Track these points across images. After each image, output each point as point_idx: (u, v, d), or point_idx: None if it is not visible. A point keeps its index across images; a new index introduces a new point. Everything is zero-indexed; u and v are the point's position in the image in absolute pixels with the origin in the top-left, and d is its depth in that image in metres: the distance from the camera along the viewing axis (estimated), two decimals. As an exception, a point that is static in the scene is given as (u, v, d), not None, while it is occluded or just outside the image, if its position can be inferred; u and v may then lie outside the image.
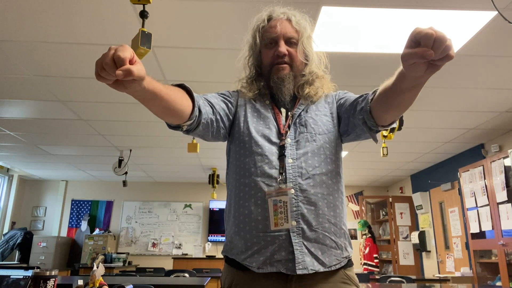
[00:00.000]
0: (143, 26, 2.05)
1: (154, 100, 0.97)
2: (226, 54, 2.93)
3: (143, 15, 2.08)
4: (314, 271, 1.08)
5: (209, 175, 6.91)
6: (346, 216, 1.23)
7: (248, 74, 1.36)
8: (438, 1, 2.30)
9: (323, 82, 1.32)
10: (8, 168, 7.11)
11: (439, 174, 6.18)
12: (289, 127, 1.24)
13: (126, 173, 5.75)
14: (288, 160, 1.17)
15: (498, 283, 4.18)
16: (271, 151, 1.19)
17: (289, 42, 1.26)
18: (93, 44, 2.78)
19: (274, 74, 1.26)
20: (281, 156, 1.18)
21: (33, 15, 2.45)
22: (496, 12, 2.32)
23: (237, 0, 2.31)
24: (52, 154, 5.92)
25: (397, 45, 2.77)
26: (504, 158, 4.07)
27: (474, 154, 5.23)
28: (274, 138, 1.21)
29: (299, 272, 1.07)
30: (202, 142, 4.60)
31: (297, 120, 1.25)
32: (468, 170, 4.71)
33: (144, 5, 2.05)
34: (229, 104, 1.29)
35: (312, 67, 1.30)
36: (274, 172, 1.16)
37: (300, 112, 1.27)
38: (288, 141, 1.20)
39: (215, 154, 5.78)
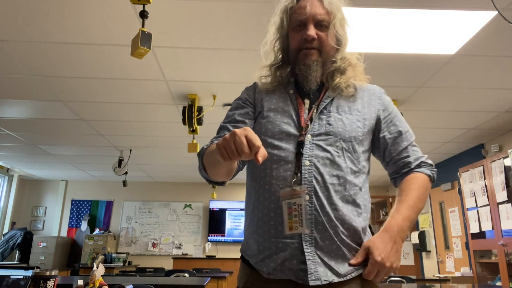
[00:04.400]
0: (143, 26, 2.05)
1: (230, 164, 1.01)
2: (226, 54, 2.93)
3: (143, 15, 2.08)
4: (327, 282, 1.02)
5: (209, 175, 6.91)
6: (366, 227, 1.12)
7: (274, 60, 1.25)
8: (438, 1, 2.30)
9: (356, 72, 1.20)
10: (8, 168, 7.11)
11: (439, 174, 6.11)
12: (311, 120, 1.13)
13: (126, 173, 5.75)
14: (305, 162, 1.08)
15: (498, 283, 4.18)
16: (288, 149, 1.10)
17: (320, 24, 1.15)
18: (93, 44, 2.78)
19: (301, 60, 1.15)
20: (298, 154, 1.09)
21: (33, 15, 2.45)
22: (496, 12, 2.32)
23: (237, 0, 2.31)
24: (52, 154, 5.92)
25: (397, 45, 2.77)
26: (504, 158, 4.07)
27: (474, 154, 5.23)
28: (293, 132, 1.12)
29: (312, 283, 1.01)
30: (202, 142, 4.60)
31: (324, 116, 1.13)
32: (468, 170, 4.71)
33: (144, 5, 2.05)
34: (251, 118, 1.21)
35: (345, 53, 1.20)
36: (290, 174, 1.08)
37: (326, 106, 1.15)
38: (308, 137, 1.10)
39: (215, 154, 5.78)
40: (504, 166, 4.05)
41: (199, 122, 3.79)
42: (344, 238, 1.05)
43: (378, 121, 1.19)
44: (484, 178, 4.38)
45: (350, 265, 1.05)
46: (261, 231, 1.09)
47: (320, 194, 1.06)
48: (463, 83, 3.37)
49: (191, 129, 3.78)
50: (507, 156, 3.99)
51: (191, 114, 3.69)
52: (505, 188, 4.01)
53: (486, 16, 2.43)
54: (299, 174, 1.07)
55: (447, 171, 5.93)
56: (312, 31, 1.13)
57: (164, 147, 5.48)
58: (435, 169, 1.20)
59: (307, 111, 1.15)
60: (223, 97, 3.74)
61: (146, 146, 5.43)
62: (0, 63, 3.05)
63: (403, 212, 1.09)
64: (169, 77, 3.32)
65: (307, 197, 1.05)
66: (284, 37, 1.21)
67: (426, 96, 3.59)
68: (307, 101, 1.17)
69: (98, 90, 3.57)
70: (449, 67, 3.07)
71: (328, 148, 1.10)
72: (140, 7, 2.14)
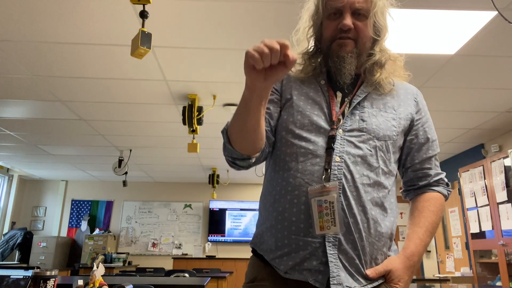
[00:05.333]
0: (143, 26, 2.05)
1: (260, 108, 0.95)
2: (226, 54, 2.93)
3: (143, 15, 2.08)
4: None
5: (209, 175, 6.91)
6: (393, 235, 1.07)
7: (306, 48, 1.16)
8: (438, 1, 2.30)
9: (396, 66, 1.12)
10: (8, 168, 7.11)
11: (439, 174, 6.17)
12: (343, 115, 1.06)
13: (126, 173, 5.75)
14: (336, 158, 1.01)
15: (498, 283, 4.18)
16: (317, 142, 1.03)
17: (357, 13, 1.06)
18: (93, 44, 2.78)
19: (334, 51, 1.07)
20: (329, 149, 1.02)
21: (33, 15, 2.45)
22: (496, 12, 2.32)
23: (237, 0, 2.31)
24: (52, 154, 5.92)
25: (397, 45, 2.77)
26: (504, 158, 4.06)
27: (474, 154, 5.23)
28: (323, 125, 1.05)
29: (333, 287, 0.95)
30: (202, 142, 4.60)
31: (357, 112, 1.07)
32: (468, 170, 4.71)
33: (144, 5, 2.05)
34: (277, 105, 1.14)
35: (384, 44, 1.11)
36: (317, 169, 1.01)
37: (360, 101, 1.08)
38: (340, 132, 1.03)
39: (215, 154, 5.78)
40: (504, 166, 4.05)
41: (199, 122, 3.79)
42: (368, 243, 0.99)
43: (410, 123, 1.12)
44: (484, 178, 4.38)
45: (366, 274, 0.99)
46: (281, 226, 1.02)
47: (349, 193, 0.99)
48: (463, 83, 3.37)
49: (191, 129, 3.78)
50: (507, 156, 3.99)
51: (191, 114, 3.69)
52: (505, 188, 4.01)
53: (486, 16, 2.43)
54: (329, 170, 1.00)
55: (447, 171, 5.88)
56: (348, 20, 1.05)
57: (164, 147, 5.48)
58: (451, 190, 1.16)
59: (338, 105, 1.08)
60: (223, 97, 3.74)
61: (146, 146, 5.43)
62: (0, 63, 3.05)
63: (424, 239, 1.05)
64: (169, 77, 3.32)
65: (335, 194, 0.98)
66: (318, 25, 1.13)
67: (426, 96, 3.57)
68: (339, 94, 1.10)
69: (98, 90, 3.57)
70: (449, 67, 3.07)
71: (361, 145, 1.03)
72: (140, 7, 2.14)
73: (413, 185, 1.15)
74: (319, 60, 1.15)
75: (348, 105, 1.07)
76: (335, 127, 1.04)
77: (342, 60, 1.06)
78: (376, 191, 1.02)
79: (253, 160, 1.06)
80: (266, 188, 1.12)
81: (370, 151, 1.03)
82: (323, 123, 1.05)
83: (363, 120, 1.05)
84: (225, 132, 1.05)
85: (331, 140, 1.03)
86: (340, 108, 1.08)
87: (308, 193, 0.99)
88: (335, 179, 0.99)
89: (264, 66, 0.84)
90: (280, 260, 1.01)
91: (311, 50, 1.16)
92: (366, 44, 1.08)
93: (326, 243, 0.97)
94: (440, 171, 1.15)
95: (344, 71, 1.06)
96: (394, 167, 1.10)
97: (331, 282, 0.95)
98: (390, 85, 1.11)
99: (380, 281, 1.01)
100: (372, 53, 1.10)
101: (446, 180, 1.15)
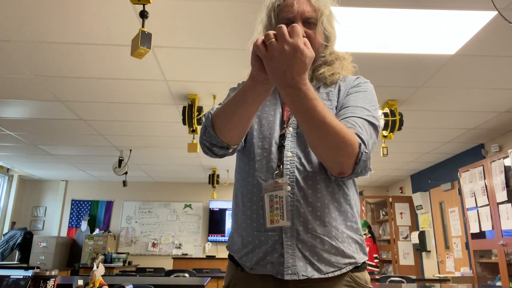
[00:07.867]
0: (143, 26, 2.05)
1: (256, 101, 0.97)
2: (226, 54, 2.93)
3: (143, 15, 2.08)
4: (306, 277, 0.98)
5: (209, 175, 6.91)
6: (358, 219, 1.09)
7: None
8: (438, 1, 2.30)
9: (344, 63, 1.19)
10: (8, 168, 7.11)
11: (439, 174, 6.18)
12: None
13: (126, 173, 5.75)
14: (287, 154, 1.06)
15: (498, 283, 4.18)
16: (271, 141, 1.10)
17: (307, 22, 1.13)
18: (93, 44, 2.78)
19: None
20: (280, 147, 1.08)
21: (33, 15, 2.45)
22: (496, 12, 2.32)
23: (237, 0, 2.31)
24: (52, 154, 5.92)
25: (397, 45, 2.78)
26: (504, 158, 4.07)
27: (474, 154, 5.23)
28: (277, 124, 1.12)
29: (287, 277, 0.98)
30: (202, 142, 4.60)
31: None
32: (468, 170, 4.71)
33: (144, 5, 2.05)
34: None
35: (333, 49, 1.19)
36: (271, 166, 1.07)
37: None
38: (290, 130, 1.09)
39: (215, 154, 5.78)
40: (504, 166, 4.05)
41: (199, 122, 3.79)
42: (327, 231, 1.02)
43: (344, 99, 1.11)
44: (484, 178, 4.38)
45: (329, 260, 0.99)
46: (245, 225, 1.08)
47: (303, 184, 1.03)
48: (463, 83, 3.37)
49: (191, 129, 3.78)
50: (507, 156, 3.99)
51: (191, 114, 3.69)
52: (505, 188, 4.01)
53: (486, 16, 2.43)
54: (281, 166, 1.05)
55: (447, 171, 5.93)
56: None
57: (164, 147, 5.48)
58: (366, 158, 0.96)
59: None
60: (223, 97, 3.74)
61: (146, 146, 5.43)
62: (0, 63, 3.05)
63: (321, 106, 0.90)
64: (169, 77, 3.32)
65: (289, 188, 1.02)
66: None
67: (426, 96, 3.59)
68: None
69: (98, 90, 3.57)
70: (449, 67, 3.07)
71: None
72: (140, 7, 2.14)
73: None
74: None
75: None
76: (285, 126, 1.10)
77: None
78: (331, 179, 1.05)
79: (231, 150, 1.08)
80: (233, 192, 1.18)
81: None
82: (277, 122, 1.12)
83: None
84: (210, 117, 1.06)
85: (282, 138, 1.09)
86: None
87: (263, 188, 1.05)
88: (288, 173, 1.04)
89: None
90: (247, 258, 1.06)
91: None
92: (318, 50, 1.15)
93: (283, 234, 1.01)
94: (361, 132, 0.98)
95: None
96: None
97: (285, 272, 0.99)
98: (337, 77, 1.16)
99: (343, 270, 1.01)
100: (324, 56, 1.18)
101: (367, 150, 0.96)
